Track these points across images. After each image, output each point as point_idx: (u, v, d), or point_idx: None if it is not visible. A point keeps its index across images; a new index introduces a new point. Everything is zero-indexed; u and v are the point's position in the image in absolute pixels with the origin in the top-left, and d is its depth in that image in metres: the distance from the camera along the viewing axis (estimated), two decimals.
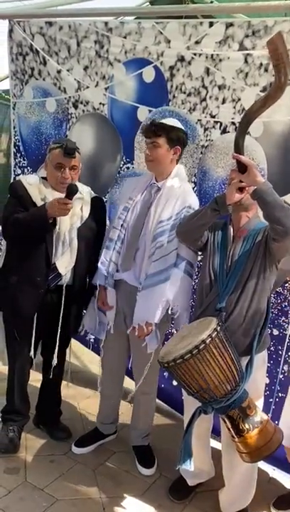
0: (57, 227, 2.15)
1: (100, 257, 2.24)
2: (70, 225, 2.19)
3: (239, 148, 1.82)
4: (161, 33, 2.51)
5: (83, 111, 2.81)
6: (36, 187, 2.18)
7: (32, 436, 2.51)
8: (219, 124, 2.48)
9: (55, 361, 2.34)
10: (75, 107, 2.83)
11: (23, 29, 2.84)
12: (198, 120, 2.52)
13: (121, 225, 2.20)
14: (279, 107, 2.33)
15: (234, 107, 2.42)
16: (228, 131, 2.46)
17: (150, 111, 2.62)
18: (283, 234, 1.74)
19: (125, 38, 2.60)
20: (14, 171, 3.15)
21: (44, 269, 2.14)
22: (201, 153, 2.55)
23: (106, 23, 2.64)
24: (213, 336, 1.72)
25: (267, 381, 2.40)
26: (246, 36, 2.33)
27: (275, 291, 2.38)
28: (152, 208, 2.17)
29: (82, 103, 2.80)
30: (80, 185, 2.34)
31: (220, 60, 2.40)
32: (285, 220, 1.72)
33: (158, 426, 2.67)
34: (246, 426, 1.84)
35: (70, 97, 2.82)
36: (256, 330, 1.94)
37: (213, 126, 2.50)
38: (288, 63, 1.64)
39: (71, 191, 2.02)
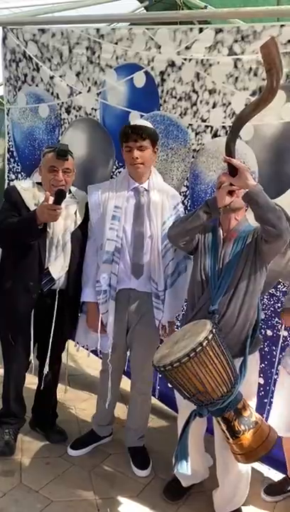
0: (50, 230, 2.17)
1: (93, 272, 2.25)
2: (63, 228, 2.21)
3: (230, 151, 1.85)
4: (152, 38, 2.53)
5: (76, 116, 2.84)
6: (30, 192, 2.21)
7: (28, 438, 2.54)
8: (210, 128, 2.50)
9: (46, 369, 2.35)
10: (68, 112, 2.85)
11: (17, 36, 2.87)
12: (189, 124, 2.55)
13: (116, 235, 2.18)
14: (270, 110, 2.33)
15: (225, 111, 2.44)
16: (219, 135, 2.48)
17: (141, 116, 2.64)
18: (275, 236, 1.77)
19: (116, 44, 2.63)
20: (8, 176, 3.18)
21: (37, 273, 2.17)
22: (193, 157, 2.58)
23: (97, 30, 2.67)
24: (209, 337, 1.74)
25: (262, 382, 2.43)
26: (236, 41, 2.35)
27: (268, 292, 2.40)
28: (151, 210, 2.21)
29: (74, 108, 2.83)
30: (75, 190, 2.38)
31: (210, 65, 2.43)
32: (277, 221, 1.75)
33: (153, 427, 2.70)
34: (242, 427, 1.86)
35: (62, 102, 2.85)
36: (249, 331, 1.97)
37: (204, 131, 2.52)
38: (280, 68, 1.67)
39: (59, 197, 2.03)
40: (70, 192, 2.33)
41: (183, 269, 2.26)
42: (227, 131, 2.47)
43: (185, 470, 1.83)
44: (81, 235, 2.28)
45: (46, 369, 2.36)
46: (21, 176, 3.10)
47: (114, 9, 3.44)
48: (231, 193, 1.92)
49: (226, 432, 1.88)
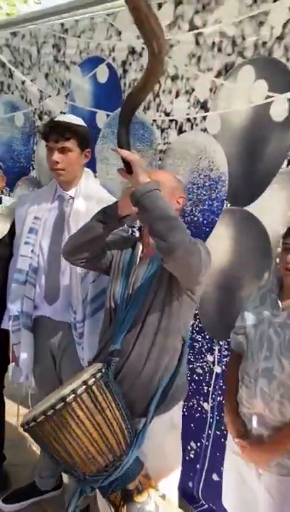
0: None
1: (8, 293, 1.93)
2: None
3: (121, 141, 1.40)
4: (112, 25, 2.18)
5: None
6: None
7: None
8: (174, 122, 2.05)
9: None
10: (40, 118, 2.60)
11: None
12: (153, 121, 2.12)
13: (32, 251, 1.84)
14: (235, 93, 1.85)
15: (189, 100, 1.98)
16: (185, 131, 2.02)
17: (108, 115, 2.28)
18: (167, 251, 1.24)
19: (79, 37, 2.32)
20: None
21: None
22: (159, 159, 2.13)
23: (62, 24, 2.39)
24: (78, 391, 1.28)
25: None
26: (197, 12, 1.90)
27: None
28: (70, 221, 1.82)
29: (46, 114, 2.57)
30: (8, 199, 2.12)
31: (171, 46, 1.99)
32: (166, 232, 1.23)
33: None
34: None
35: (35, 109, 2.61)
36: (161, 381, 1.45)
37: (169, 126, 2.07)
38: (156, 22, 1.21)
39: None
40: (0, 202, 2.06)
41: None
42: (192, 125, 2.00)
43: None
44: (4, 250, 1.97)
45: None
46: (6, 190, 2.91)
47: None
48: None
49: None
